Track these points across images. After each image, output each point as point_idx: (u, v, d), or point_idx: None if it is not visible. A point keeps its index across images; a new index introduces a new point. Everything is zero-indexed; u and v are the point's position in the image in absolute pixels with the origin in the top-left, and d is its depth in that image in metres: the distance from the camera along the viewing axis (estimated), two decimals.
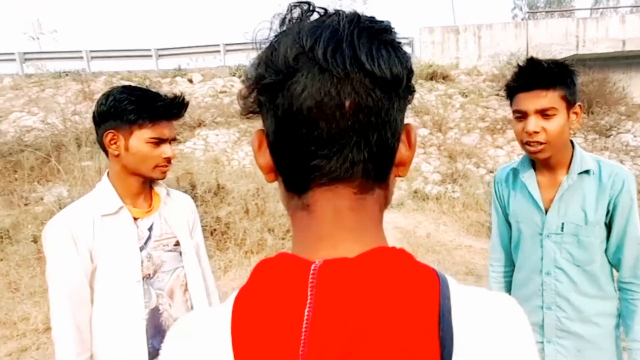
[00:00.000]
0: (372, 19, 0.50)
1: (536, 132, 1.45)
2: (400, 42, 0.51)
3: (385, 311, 0.46)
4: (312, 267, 0.49)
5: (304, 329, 0.46)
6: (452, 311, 0.47)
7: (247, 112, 0.54)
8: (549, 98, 1.44)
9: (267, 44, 0.51)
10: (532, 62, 1.48)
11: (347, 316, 0.46)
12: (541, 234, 1.59)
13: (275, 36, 0.51)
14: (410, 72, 0.51)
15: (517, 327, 0.49)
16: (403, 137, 0.54)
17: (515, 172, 1.68)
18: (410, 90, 0.53)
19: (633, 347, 1.51)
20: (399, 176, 0.56)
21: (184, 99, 1.50)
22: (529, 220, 1.62)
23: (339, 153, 0.49)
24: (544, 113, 1.45)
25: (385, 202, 0.56)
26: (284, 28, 0.51)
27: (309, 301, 0.47)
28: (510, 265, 1.79)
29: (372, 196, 0.53)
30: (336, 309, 0.47)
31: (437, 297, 0.48)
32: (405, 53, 0.51)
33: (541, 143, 1.46)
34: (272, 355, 0.47)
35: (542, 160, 1.55)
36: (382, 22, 0.50)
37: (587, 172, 1.52)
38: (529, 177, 1.61)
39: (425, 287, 0.48)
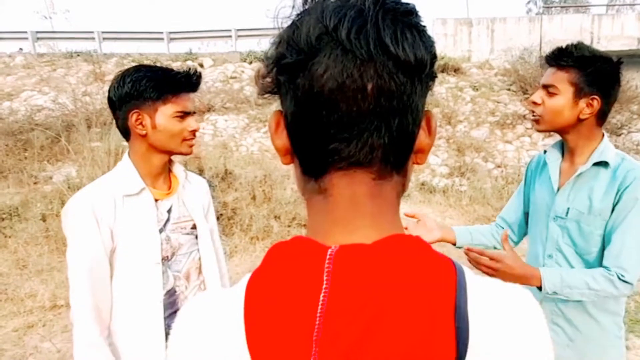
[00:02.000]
0: (397, 1, 0.48)
1: (535, 103, 1.55)
2: (425, 26, 0.50)
3: (401, 299, 0.45)
4: (329, 252, 0.48)
5: (318, 314, 0.46)
6: (468, 302, 0.47)
7: (265, 92, 0.53)
8: (556, 77, 1.51)
9: (289, 23, 0.50)
10: (572, 44, 1.52)
11: (362, 303, 0.46)
12: (549, 216, 1.62)
13: (298, 15, 0.50)
14: (433, 57, 0.50)
15: (533, 320, 0.49)
16: (423, 124, 0.53)
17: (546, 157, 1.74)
18: (433, 76, 0.52)
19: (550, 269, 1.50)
20: (417, 163, 0.55)
21: (197, 70, 1.52)
22: (542, 200, 1.66)
23: (359, 137, 0.48)
24: (547, 89, 1.53)
25: (402, 189, 0.55)
26: (307, 7, 0.50)
27: (324, 286, 0.47)
28: (506, 227, 1.89)
29: (390, 182, 0.52)
30: (352, 295, 0.46)
31: (454, 287, 0.47)
32: (429, 37, 0.50)
33: (537, 115, 1.55)
34: (286, 339, 0.46)
35: (566, 145, 1.61)
36: (407, 4, 0.49)
37: (605, 165, 1.52)
38: (553, 161, 1.65)
39: (441, 277, 0.47)
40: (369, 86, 0.46)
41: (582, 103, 1.49)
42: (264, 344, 0.47)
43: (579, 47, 1.49)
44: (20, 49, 13.04)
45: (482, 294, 0.48)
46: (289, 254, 0.50)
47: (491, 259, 1.43)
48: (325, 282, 0.47)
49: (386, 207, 0.52)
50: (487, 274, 1.44)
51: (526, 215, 1.83)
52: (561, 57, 1.50)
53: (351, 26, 0.46)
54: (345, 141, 0.48)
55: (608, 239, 1.49)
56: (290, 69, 0.48)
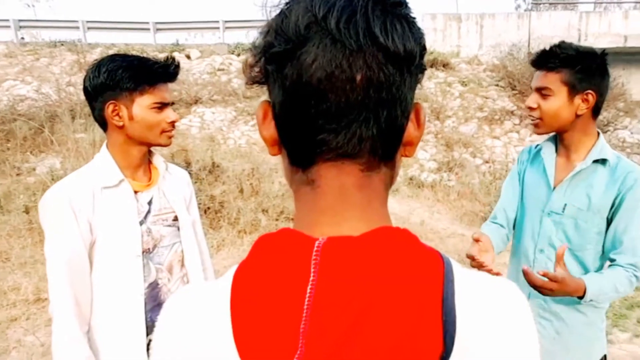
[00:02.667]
0: None
1: (532, 108, 1.56)
2: (414, 17, 0.49)
3: (388, 292, 0.45)
4: (316, 243, 0.48)
5: (305, 306, 0.45)
6: (455, 295, 0.47)
7: (253, 82, 0.53)
8: (548, 79, 1.52)
9: (278, 11, 0.49)
10: (555, 45, 1.53)
11: (349, 295, 0.45)
12: (543, 211, 1.63)
13: (286, 3, 0.49)
14: (423, 49, 0.50)
15: (520, 313, 0.49)
16: (412, 116, 0.52)
17: (538, 150, 1.74)
18: (422, 69, 0.51)
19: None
20: (406, 156, 0.55)
21: (174, 59, 1.49)
22: (536, 195, 1.67)
23: (347, 128, 0.47)
24: (540, 91, 1.54)
25: (390, 181, 0.55)
26: None
27: (311, 278, 0.46)
28: (505, 227, 1.81)
29: (379, 174, 0.52)
30: (339, 287, 0.46)
31: (441, 279, 0.47)
32: (419, 29, 0.49)
33: (535, 118, 1.57)
34: (273, 331, 0.46)
35: (561, 141, 1.63)
36: None
37: (603, 162, 1.54)
38: (548, 156, 1.67)
39: (429, 269, 0.47)
40: (358, 77, 0.46)
41: (578, 99, 1.51)
42: (250, 337, 0.46)
43: (563, 47, 1.50)
44: (22, 37, 12.65)
45: (469, 287, 0.48)
46: (276, 246, 0.50)
47: (551, 280, 1.40)
48: (312, 274, 0.46)
49: (374, 198, 0.52)
50: (543, 292, 1.43)
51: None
52: (548, 60, 1.51)
53: (340, 15, 0.45)
54: (334, 132, 0.48)
55: (616, 239, 1.51)
56: (278, 58, 0.48)
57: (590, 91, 1.49)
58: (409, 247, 0.48)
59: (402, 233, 0.49)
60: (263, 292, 0.47)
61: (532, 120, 1.59)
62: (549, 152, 1.67)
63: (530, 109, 1.57)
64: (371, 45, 0.45)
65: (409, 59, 0.47)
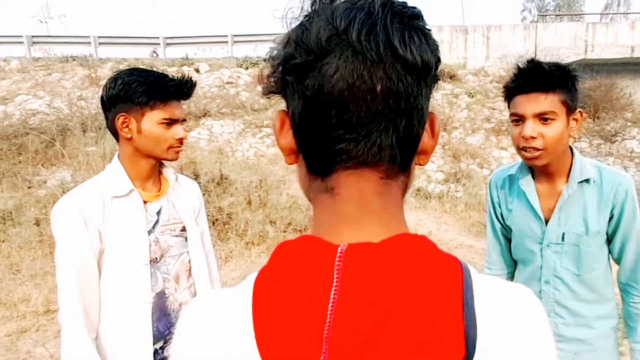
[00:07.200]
0: (404, 4, 0.49)
1: (533, 138, 1.38)
2: (430, 30, 0.51)
3: (410, 298, 0.46)
4: (339, 250, 0.48)
5: (329, 312, 0.46)
6: (474, 300, 0.47)
7: (269, 93, 0.54)
8: (549, 102, 1.36)
9: (298, 24, 0.50)
10: (532, 63, 1.41)
11: (372, 301, 0.46)
12: (541, 244, 1.55)
13: (306, 16, 0.50)
14: (438, 61, 0.51)
15: (536, 317, 0.50)
16: (427, 126, 0.54)
17: (512, 178, 1.62)
18: (436, 79, 0.53)
19: (636, 348, 1.52)
20: (420, 164, 0.56)
21: (191, 78, 1.52)
22: (529, 229, 1.57)
23: (367, 137, 0.48)
24: (542, 117, 1.38)
25: (406, 189, 0.55)
26: (315, 8, 0.50)
27: (335, 284, 0.47)
28: (505, 269, 1.76)
29: (397, 182, 0.53)
30: (362, 293, 0.46)
31: (461, 285, 0.47)
32: (434, 41, 0.51)
33: (538, 149, 1.39)
34: (296, 337, 0.46)
35: (539, 168, 1.48)
36: (413, 8, 0.50)
37: (587, 180, 1.47)
38: (527, 185, 1.54)
39: (449, 275, 0.48)
40: (378, 87, 0.47)
41: (572, 121, 1.42)
42: (273, 342, 0.46)
43: (552, 65, 1.39)
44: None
45: (487, 292, 0.49)
46: (297, 252, 0.50)
47: None
48: (335, 280, 0.47)
49: (392, 205, 0.53)
50: None
51: (508, 241, 1.72)
52: (546, 80, 1.37)
53: (361, 28, 0.46)
54: (354, 141, 0.49)
55: (620, 254, 1.52)
56: (299, 69, 0.49)
57: (580, 109, 1.41)
58: (428, 253, 0.49)
59: (420, 240, 0.50)
60: (285, 297, 0.48)
61: (530, 152, 1.40)
62: (526, 181, 1.54)
63: (531, 139, 1.38)
64: (391, 56, 0.46)
65: (426, 69, 0.49)
